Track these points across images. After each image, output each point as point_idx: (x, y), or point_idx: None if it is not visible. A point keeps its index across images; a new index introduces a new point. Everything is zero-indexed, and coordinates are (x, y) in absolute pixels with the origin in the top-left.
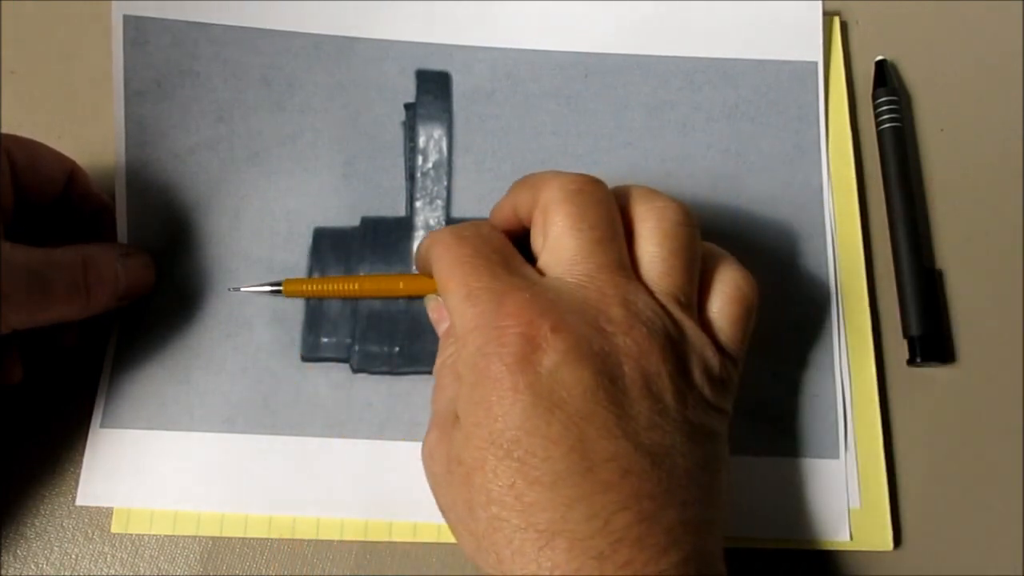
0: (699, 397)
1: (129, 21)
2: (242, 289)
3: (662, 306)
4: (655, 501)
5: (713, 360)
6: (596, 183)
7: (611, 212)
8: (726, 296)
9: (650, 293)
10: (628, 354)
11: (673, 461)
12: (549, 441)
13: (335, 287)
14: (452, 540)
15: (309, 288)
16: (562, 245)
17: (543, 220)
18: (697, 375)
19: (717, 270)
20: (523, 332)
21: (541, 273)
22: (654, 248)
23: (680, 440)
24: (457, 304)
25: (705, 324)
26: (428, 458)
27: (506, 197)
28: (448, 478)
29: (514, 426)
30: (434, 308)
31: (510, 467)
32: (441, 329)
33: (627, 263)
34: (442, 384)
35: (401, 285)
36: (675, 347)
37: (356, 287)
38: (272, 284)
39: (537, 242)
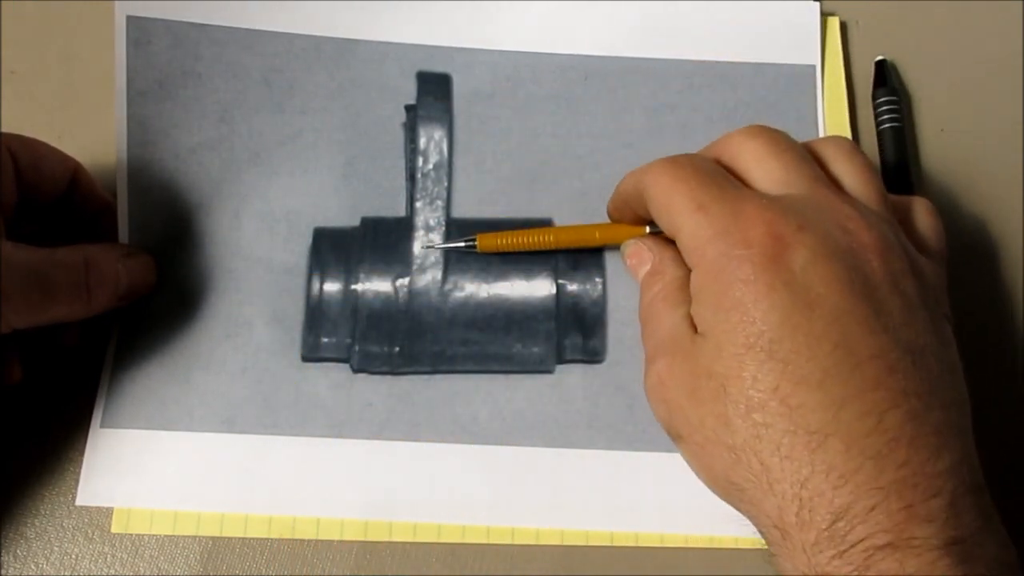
0: (934, 299)
1: (132, 22)
2: (436, 246)
3: (873, 210)
4: (921, 400)
5: (928, 264)
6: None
7: (797, 142)
8: (919, 209)
9: (860, 201)
10: (874, 250)
11: (928, 361)
12: (813, 338)
13: (530, 239)
14: (452, 540)
15: (503, 242)
16: (768, 167)
17: (736, 161)
18: (928, 275)
19: (899, 199)
20: (769, 231)
21: None
22: (847, 164)
23: (930, 339)
24: (687, 219)
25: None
26: (658, 387)
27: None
28: (692, 397)
29: (775, 325)
30: (632, 253)
31: (773, 369)
32: (642, 272)
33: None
34: (656, 317)
35: (597, 235)
36: (904, 248)
37: (551, 239)
38: (466, 240)
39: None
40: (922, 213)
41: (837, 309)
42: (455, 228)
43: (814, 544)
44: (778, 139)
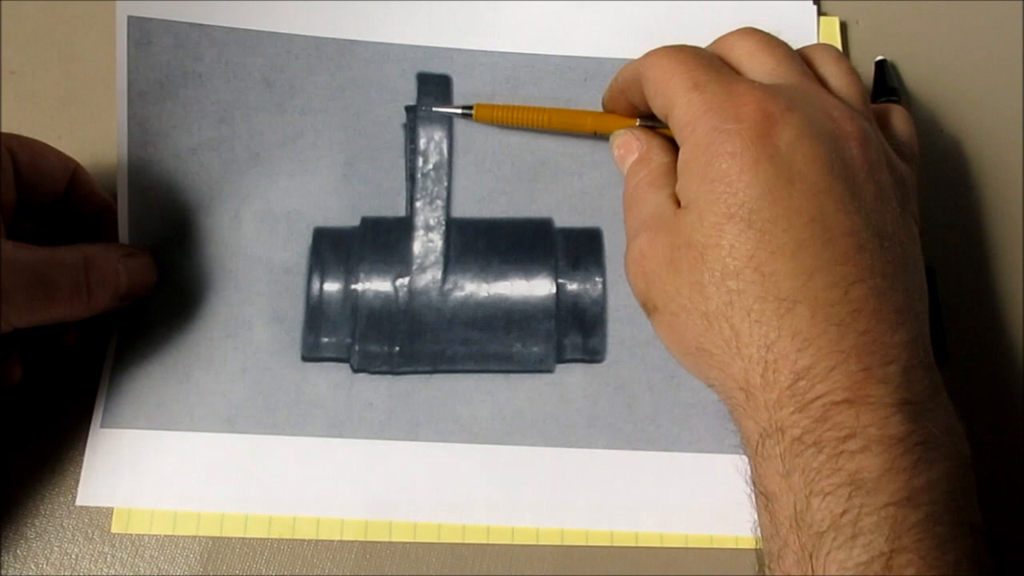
0: (906, 196)
1: (133, 22)
2: (434, 109)
3: (855, 107)
4: (885, 279)
5: (903, 166)
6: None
7: (787, 44)
8: (896, 116)
9: (843, 99)
10: (855, 139)
11: (894, 248)
12: (792, 211)
13: (525, 116)
14: (452, 540)
15: (499, 114)
16: (759, 60)
17: (730, 56)
18: (903, 174)
19: (878, 106)
20: (760, 108)
21: None
22: (833, 66)
23: (898, 229)
24: (682, 95)
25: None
26: (639, 260)
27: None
28: (671, 267)
29: (756, 196)
30: (622, 143)
31: (751, 238)
32: (629, 161)
33: None
34: (641, 199)
35: (589, 121)
36: (882, 144)
37: (546, 119)
38: (463, 107)
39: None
40: (899, 119)
41: (816, 186)
42: (455, 228)
43: (776, 401)
44: (769, 38)
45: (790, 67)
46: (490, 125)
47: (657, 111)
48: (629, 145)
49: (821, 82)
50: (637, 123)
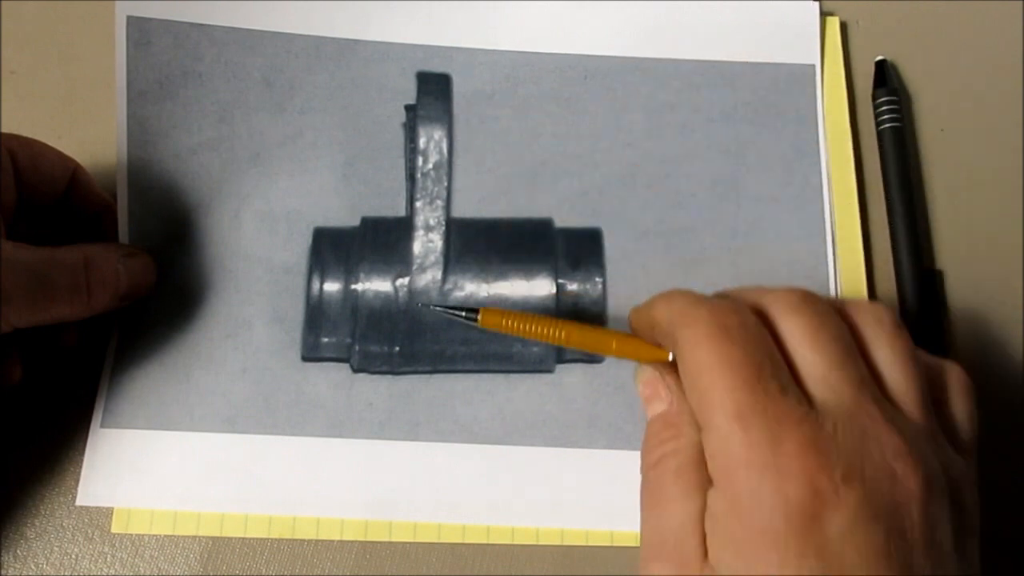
0: (968, 529)
1: (132, 22)
2: (433, 308)
3: (915, 423)
4: None
5: (963, 467)
6: (817, 294)
7: (841, 321)
8: (956, 390)
9: (901, 409)
10: (917, 499)
11: None
12: None
13: (537, 329)
14: (452, 540)
15: (507, 323)
16: (811, 361)
17: (776, 331)
18: (965, 498)
19: (933, 365)
20: (810, 482)
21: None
22: (887, 351)
23: None
24: (720, 421)
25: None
26: None
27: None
28: None
29: None
30: (648, 383)
31: None
32: (654, 409)
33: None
34: (663, 498)
35: (614, 345)
36: (946, 473)
37: (563, 336)
38: (468, 310)
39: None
40: (957, 394)
41: None
42: (455, 228)
43: None
44: (820, 324)
45: (843, 375)
46: (490, 126)
47: (690, 402)
48: (656, 391)
49: (874, 374)
50: (669, 358)
